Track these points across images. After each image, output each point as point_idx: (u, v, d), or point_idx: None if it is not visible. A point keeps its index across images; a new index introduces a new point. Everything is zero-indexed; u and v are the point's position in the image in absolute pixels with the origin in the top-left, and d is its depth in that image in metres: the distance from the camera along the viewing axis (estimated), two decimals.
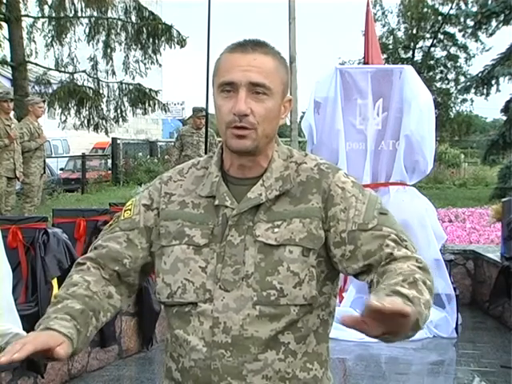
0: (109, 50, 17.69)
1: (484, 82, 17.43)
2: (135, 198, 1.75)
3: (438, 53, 28.99)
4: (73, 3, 17.08)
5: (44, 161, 9.78)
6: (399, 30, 29.21)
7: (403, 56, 28.94)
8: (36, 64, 17.13)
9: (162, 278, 1.62)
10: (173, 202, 1.65)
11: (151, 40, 17.42)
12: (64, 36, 17.45)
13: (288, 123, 8.87)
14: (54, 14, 17.30)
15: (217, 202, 1.60)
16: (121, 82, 17.84)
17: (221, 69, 1.60)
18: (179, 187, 1.67)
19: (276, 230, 1.56)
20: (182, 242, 1.60)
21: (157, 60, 17.96)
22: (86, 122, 17.57)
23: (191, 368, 1.56)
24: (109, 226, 1.73)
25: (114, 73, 18.01)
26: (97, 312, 1.59)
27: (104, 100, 17.78)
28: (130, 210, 1.71)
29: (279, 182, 1.60)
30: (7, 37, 15.79)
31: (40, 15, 17.39)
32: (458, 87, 25.42)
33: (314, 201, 1.59)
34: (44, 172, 9.83)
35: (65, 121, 17.60)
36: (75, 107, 17.21)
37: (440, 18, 27.81)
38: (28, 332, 1.54)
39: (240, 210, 1.58)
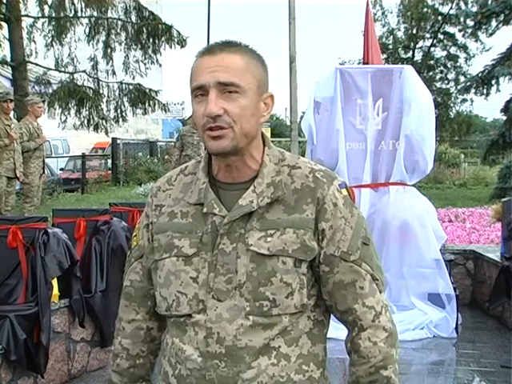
0: (109, 50, 17.70)
1: (484, 82, 17.42)
2: (139, 219, 1.75)
3: (438, 53, 29.04)
4: (73, 3, 17.08)
5: (43, 161, 9.77)
6: (399, 30, 29.23)
7: (403, 56, 28.94)
8: (36, 64, 17.12)
9: (159, 292, 1.63)
10: (163, 213, 1.64)
11: (151, 40, 17.42)
12: (64, 36, 17.44)
13: (288, 123, 8.89)
14: (54, 14, 17.30)
15: (205, 210, 1.58)
16: (121, 82, 17.84)
17: (192, 74, 1.58)
18: (168, 197, 1.66)
19: (269, 239, 1.54)
20: (172, 255, 1.59)
21: (157, 60, 17.96)
22: (85, 122, 17.57)
23: (188, 376, 1.57)
24: (128, 256, 1.77)
25: (114, 73, 18.01)
26: (145, 375, 1.75)
27: (104, 100, 17.79)
28: (136, 235, 1.73)
29: (270, 189, 1.57)
30: (7, 37, 15.79)
31: (40, 15, 17.39)
32: (458, 87, 25.39)
33: (308, 211, 1.56)
34: (43, 172, 9.82)
35: (65, 121, 17.60)
36: (75, 107, 17.20)
37: (440, 17, 27.80)
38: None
39: (231, 217, 1.56)
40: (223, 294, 1.54)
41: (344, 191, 1.61)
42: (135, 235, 1.74)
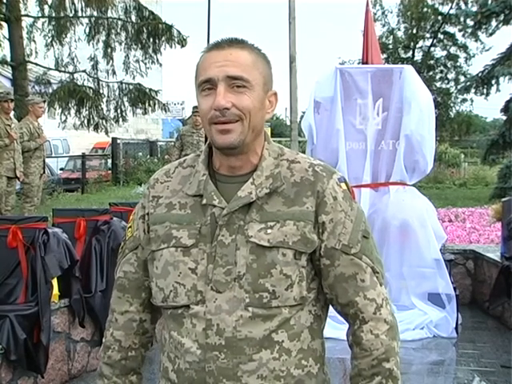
0: (109, 50, 17.70)
1: (484, 81, 17.43)
2: (134, 211, 1.74)
3: (438, 53, 29.03)
4: (73, 3, 17.08)
5: (44, 161, 9.78)
6: (399, 29, 29.23)
7: (403, 56, 28.94)
8: (36, 64, 17.13)
9: (156, 283, 1.62)
10: (160, 204, 1.64)
11: (151, 40, 17.43)
12: (64, 36, 17.45)
13: (288, 123, 8.90)
14: (54, 14, 17.30)
15: (204, 201, 1.58)
16: (121, 82, 17.85)
17: (199, 69, 1.59)
18: (166, 189, 1.66)
19: (269, 231, 1.54)
20: (170, 245, 1.59)
21: (157, 60, 17.96)
22: (86, 121, 17.58)
23: (186, 370, 1.56)
24: (121, 247, 1.76)
25: (114, 72, 18.01)
26: (136, 368, 1.74)
27: (104, 100, 17.79)
28: (131, 226, 1.72)
29: (269, 180, 1.58)
30: (7, 37, 15.80)
31: (40, 15, 17.40)
32: (458, 87, 25.36)
33: (308, 204, 1.57)
34: (44, 172, 9.83)
35: (65, 121, 17.60)
36: (75, 107, 17.21)
37: (440, 17, 27.80)
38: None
39: (230, 209, 1.56)
40: (222, 285, 1.54)
41: (343, 185, 1.62)
42: (130, 226, 1.73)
